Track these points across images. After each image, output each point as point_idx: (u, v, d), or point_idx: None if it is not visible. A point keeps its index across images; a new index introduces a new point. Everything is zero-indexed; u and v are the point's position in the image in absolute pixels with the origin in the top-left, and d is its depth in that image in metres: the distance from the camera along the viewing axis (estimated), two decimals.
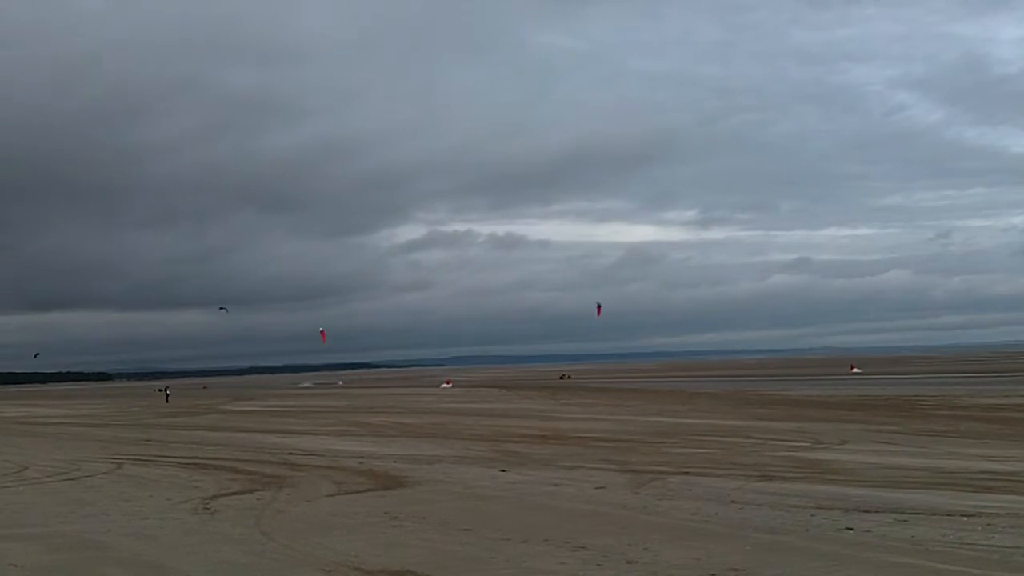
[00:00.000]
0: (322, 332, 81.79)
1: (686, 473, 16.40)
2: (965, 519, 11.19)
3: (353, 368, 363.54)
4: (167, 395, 72.52)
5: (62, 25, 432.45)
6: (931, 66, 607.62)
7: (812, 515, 11.69)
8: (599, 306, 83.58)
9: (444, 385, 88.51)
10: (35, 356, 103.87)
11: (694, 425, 29.38)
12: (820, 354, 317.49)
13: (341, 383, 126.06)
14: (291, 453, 22.12)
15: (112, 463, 20.57)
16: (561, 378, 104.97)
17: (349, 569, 9.26)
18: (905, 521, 11.12)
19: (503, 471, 17.38)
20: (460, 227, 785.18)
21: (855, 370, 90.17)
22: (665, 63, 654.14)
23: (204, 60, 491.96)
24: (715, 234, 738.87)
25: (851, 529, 10.69)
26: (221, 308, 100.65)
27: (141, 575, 9.42)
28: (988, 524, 10.85)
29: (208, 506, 13.74)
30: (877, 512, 11.77)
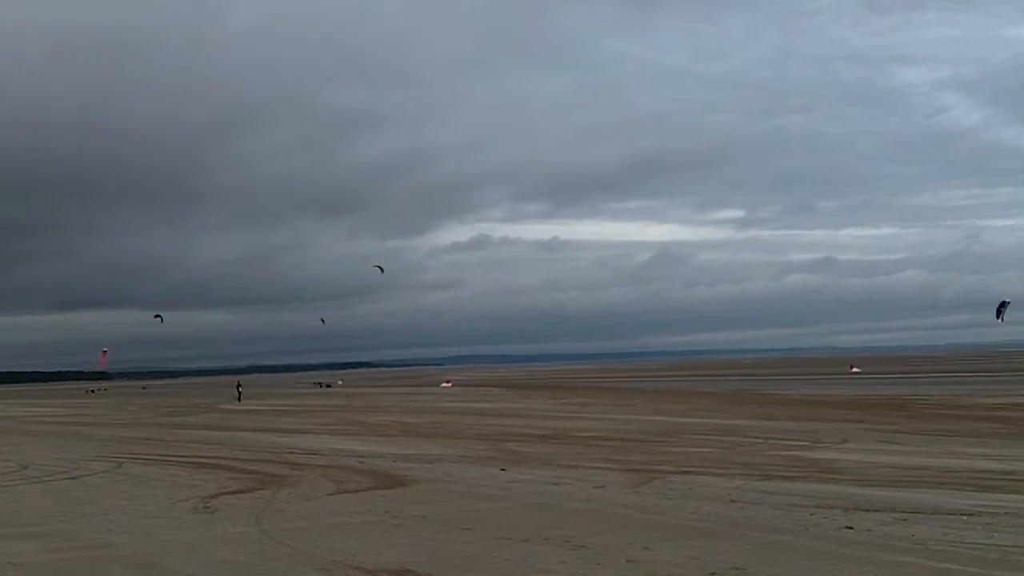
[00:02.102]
0: (103, 353, 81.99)
1: (686, 472, 16.40)
2: (965, 518, 11.19)
3: (353, 367, 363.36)
4: (240, 393, 66.73)
5: (215, 47, 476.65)
6: (980, 68, 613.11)
7: (812, 514, 11.68)
8: (104, 352, 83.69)
9: (444, 384, 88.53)
10: (157, 317, 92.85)
11: (694, 424, 29.38)
12: (821, 353, 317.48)
13: (341, 382, 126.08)
14: (291, 452, 22.12)
15: (112, 462, 20.57)
16: (322, 386, 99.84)
17: (349, 568, 9.26)
18: (905, 520, 11.12)
19: (503, 470, 17.38)
20: (509, 232, 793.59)
21: (855, 369, 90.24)
22: (724, 67, 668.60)
23: (312, 79, 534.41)
24: (742, 234, 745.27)
25: (851, 528, 10.68)
26: (321, 320, 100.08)
27: (141, 574, 9.42)
28: (988, 523, 10.85)
29: (208, 505, 13.74)
30: (877, 511, 11.77)
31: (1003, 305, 62.29)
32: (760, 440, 22.68)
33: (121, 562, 9.90)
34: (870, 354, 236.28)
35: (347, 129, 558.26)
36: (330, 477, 16.80)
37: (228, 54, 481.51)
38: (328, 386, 71.19)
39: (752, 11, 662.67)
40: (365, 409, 46.33)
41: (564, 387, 76.02)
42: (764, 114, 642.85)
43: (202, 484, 16.24)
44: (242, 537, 11.08)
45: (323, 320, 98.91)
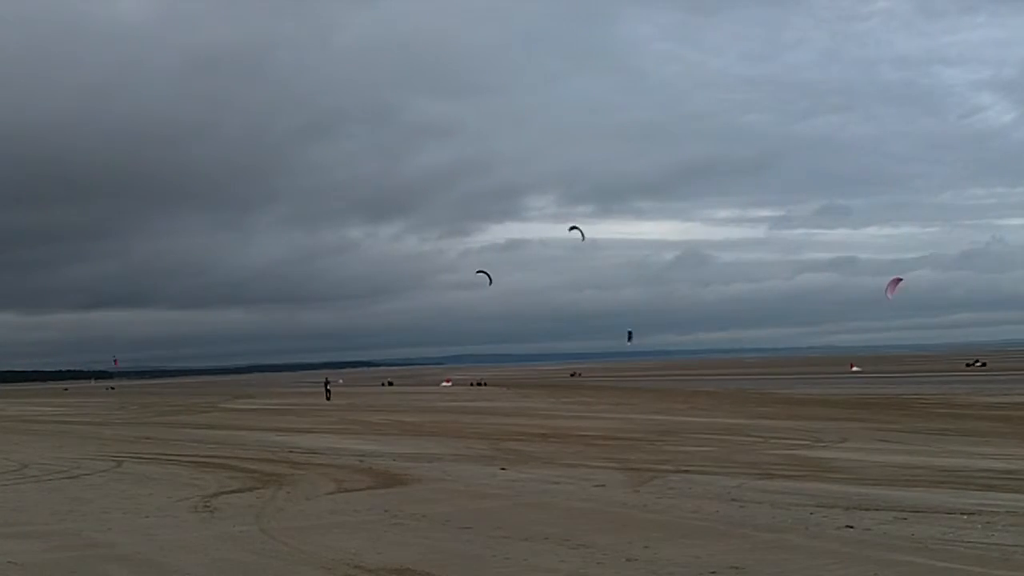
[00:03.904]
0: None
1: (686, 471, 16.40)
2: (965, 517, 11.18)
3: (353, 367, 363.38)
4: (328, 390, 61.27)
5: (314, 62, 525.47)
6: (1021, 69, 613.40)
7: (812, 513, 11.68)
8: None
9: (444, 384, 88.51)
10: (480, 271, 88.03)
11: (694, 423, 29.38)
12: (820, 353, 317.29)
13: (341, 381, 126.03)
14: (291, 451, 22.12)
15: (112, 461, 20.57)
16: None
17: (349, 567, 9.26)
18: (905, 519, 11.12)
19: (503, 469, 17.37)
20: (547, 234, 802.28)
21: (855, 368, 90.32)
22: (769, 69, 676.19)
23: (397, 91, 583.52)
24: (768, 234, 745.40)
25: (851, 527, 10.68)
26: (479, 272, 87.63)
27: (141, 573, 9.41)
28: (988, 522, 10.85)
29: (208, 504, 13.74)
30: (877, 510, 11.77)
31: (630, 335, 78.08)
32: (760, 439, 22.68)
33: (121, 561, 9.90)
34: (871, 353, 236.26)
35: (419, 138, 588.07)
36: (330, 476, 16.80)
37: (325, 69, 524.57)
38: (325, 383, 67.67)
39: (806, 15, 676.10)
40: (365, 408, 46.33)
41: (564, 386, 75.99)
42: (802, 115, 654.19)
43: (202, 483, 16.24)
44: (242, 536, 11.08)
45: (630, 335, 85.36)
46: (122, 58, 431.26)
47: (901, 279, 64.96)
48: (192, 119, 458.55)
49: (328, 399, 57.52)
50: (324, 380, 66.55)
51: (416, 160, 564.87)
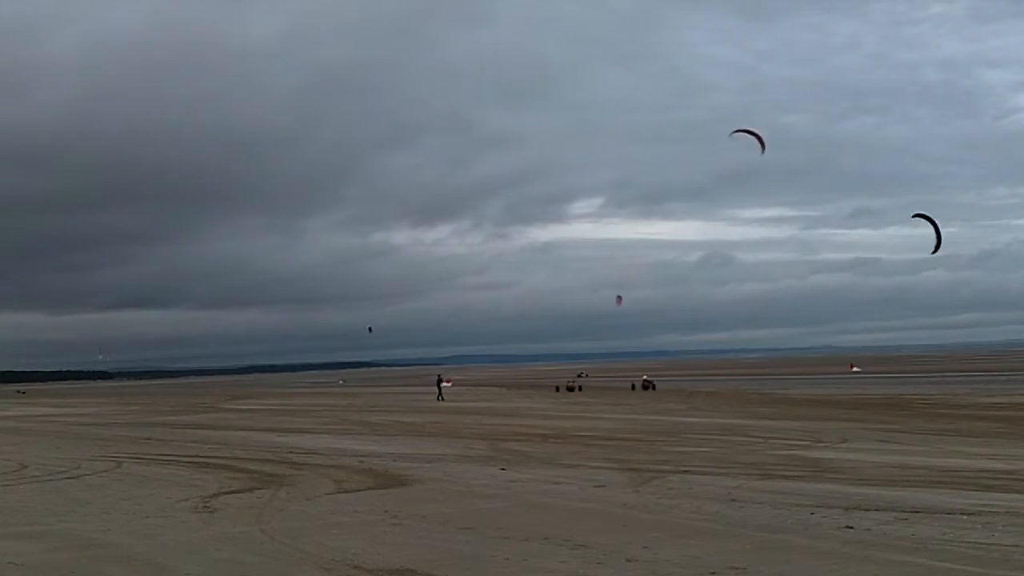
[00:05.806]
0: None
1: (686, 471, 16.40)
2: (965, 517, 11.18)
3: (353, 367, 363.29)
4: (440, 389, 56.04)
5: (412, 76, 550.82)
6: None
7: (812, 513, 11.68)
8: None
9: (444, 384, 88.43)
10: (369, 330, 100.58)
11: (694, 424, 29.39)
12: (820, 353, 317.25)
13: (342, 382, 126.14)
14: (291, 452, 22.11)
15: (112, 461, 20.56)
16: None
17: (349, 567, 9.26)
18: (905, 519, 11.12)
19: (503, 469, 17.37)
20: (585, 235, 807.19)
21: (855, 369, 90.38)
22: (815, 73, 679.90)
23: (476, 105, 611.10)
24: (787, 234, 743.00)
25: (851, 527, 10.68)
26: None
27: (141, 573, 9.41)
28: (988, 522, 10.85)
29: (208, 504, 13.74)
30: (877, 510, 11.77)
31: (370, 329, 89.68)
32: (760, 439, 22.69)
33: (121, 562, 9.90)
34: (871, 354, 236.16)
35: (486, 148, 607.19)
36: (330, 476, 16.80)
37: (416, 84, 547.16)
38: (438, 382, 58.91)
39: (860, 20, 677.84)
40: (365, 408, 46.35)
41: (564, 387, 75.89)
42: (841, 116, 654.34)
43: (202, 483, 16.23)
44: (242, 536, 11.08)
45: (370, 329, 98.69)
46: (240, 73, 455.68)
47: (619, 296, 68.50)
48: (281, 132, 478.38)
49: (441, 399, 52.54)
50: (437, 377, 60.34)
51: (476, 168, 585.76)
